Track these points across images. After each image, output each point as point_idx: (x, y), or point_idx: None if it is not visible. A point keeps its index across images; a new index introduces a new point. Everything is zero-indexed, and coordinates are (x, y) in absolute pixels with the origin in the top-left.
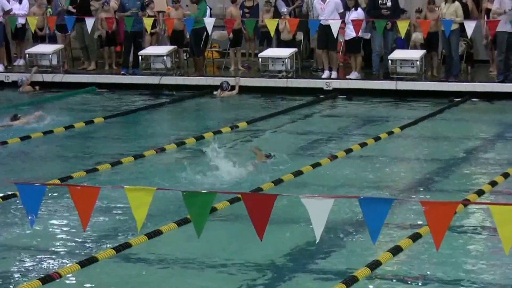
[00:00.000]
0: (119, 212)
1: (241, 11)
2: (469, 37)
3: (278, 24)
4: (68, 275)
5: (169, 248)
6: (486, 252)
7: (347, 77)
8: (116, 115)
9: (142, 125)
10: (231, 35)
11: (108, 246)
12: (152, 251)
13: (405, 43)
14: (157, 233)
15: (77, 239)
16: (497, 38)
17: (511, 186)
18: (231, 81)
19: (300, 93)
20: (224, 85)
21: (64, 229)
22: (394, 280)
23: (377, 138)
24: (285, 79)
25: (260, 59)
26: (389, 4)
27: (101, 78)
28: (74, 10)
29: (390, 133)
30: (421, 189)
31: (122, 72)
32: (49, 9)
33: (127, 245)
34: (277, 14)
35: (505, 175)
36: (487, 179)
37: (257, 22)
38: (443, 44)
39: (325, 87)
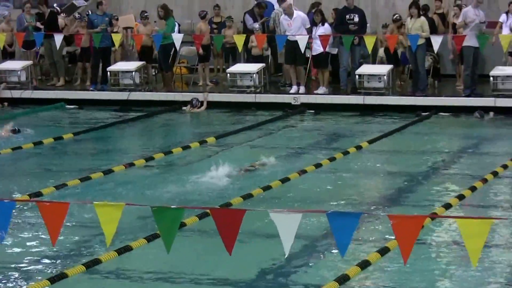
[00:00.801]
0: (89, 227)
1: (209, 27)
2: (435, 51)
3: (250, 39)
4: None
5: (139, 263)
6: (453, 265)
7: (315, 92)
8: (85, 131)
9: (111, 140)
10: (200, 50)
11: (78, 262)
12: (122, 266)
13: (405, 58)
14: (127, 248)
15: (46, 255)
16: (464, 53)
17: (478, 200)
18: (200, 96)
19: (269, 108)
20: (194, 101)
21: (34, 245)
22: None
23: (346, 153)
24: (253, 94)
25: (228, 75)
26: (356, 19)
27: (70, 94)
28: (41, 27)
29: (359, 147)
30: (389, 203)
31: (91, 88)
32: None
33: (97, 261)
34: (245, 30)
35: (472, 189)
36: (455, 193)
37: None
38: (409, 59)
39: (293, 102)
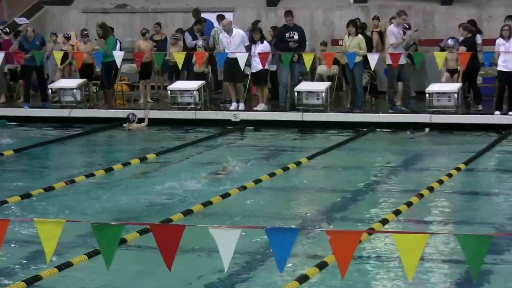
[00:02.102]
0: (29, 244)
1: (152, 44)
2: (372, 69)
3: (192, 56)
4: None
5: (79, 279)
6: (390, 279)
7: (254, 108)
8: (26, 148)
9: (52, 157)
10: (156, 65)
11: (18, 278)
12: (63, 283)
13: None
14: (68, 265)
15: None
16: (389, 70)
17: (414, 215)
18: (139, 113)
19: (209, 125)
20: (130, 117)
21: None
22: None
23: (285, 168)
24: (194, 111)
25: (169, 92)
26: (296, 37)
27: (11, 111)
28: None
29: (298, 163)
30: (327, 218)
31: (24, 107)
32: None
33: (37, 278)
34: (185, 48)
35: (408, 204)
36: (391, 208)
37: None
38: (347, 76)
39: (233, 119)
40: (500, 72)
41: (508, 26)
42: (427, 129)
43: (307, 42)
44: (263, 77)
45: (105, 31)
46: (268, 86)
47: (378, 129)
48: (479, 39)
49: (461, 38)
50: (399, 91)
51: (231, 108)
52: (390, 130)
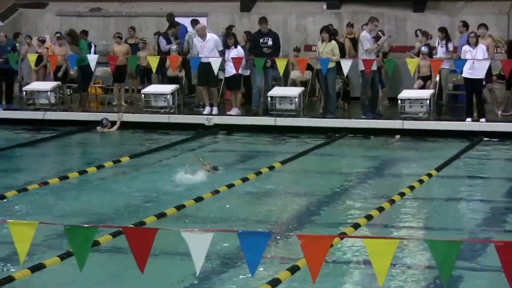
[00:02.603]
0: (2, 245)
1: (126, 48)
2: (345, 75)
3: (166, 60)
4: None
5: (52, 281)
6: (360, 284)
7: (228, 113)
8: (0, 150)
9: (26, 159)
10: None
11: None
12: (35, 284)
13: (383, 81)
14: (40, 266)
15: None
16: (362, 76)
17: (385, 220)
18: (114, 116)
19: (182, 129)
20: (104, 121)
21: None
22: None
23: (258, 173)
24: (167, 115)
25: (143, 95)
26: (270, 43)
27: None
28: None
29: (271, 168)
30: (300, 222)
31: None
32: None
33: (10, 279)
34: (159, 52)
35: (380, 209)
36: (363, 213)
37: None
38: (320, 82)
39: (206, 123)
40: (466, 79)
41: (474, 33)
42: (397, 136)
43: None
44: (237, 82)
45: (74, 38)
46: (242, 91)
47: (351, 135)
48: (450, 46)
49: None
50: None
51: (205, 112)
52: (362, 136)
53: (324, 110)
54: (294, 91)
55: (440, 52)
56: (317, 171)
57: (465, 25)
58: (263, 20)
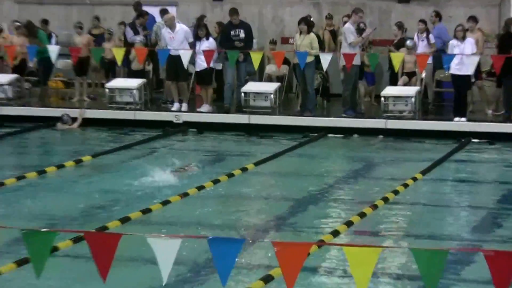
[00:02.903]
0: None
1: (89, 39)
2: (324, 70)
3: (131, 52)
4: None
5: None
6: None
7: (198, 110)
8: None
9: None
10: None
11: None
12: None
13: (374, 77)
14: None
15: None
16: (344, 72)
17: (367, 226)
18: (75, 112)
19: (149, 127)
20: (64, 118)
21: None
22: None
23: (230, 175)
24: (133, 111)
25: (107, 90)
26: (242, 35)
27: None
28: None
29: (244, 169)
30: (274, 228)
31: None
32: None
33: None
34: (126, 43)
35: (362, 215)
36: (343, 219)
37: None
38: (297, 77)
39: (175, 120)
40: (453, 75)
41: (461, 26)
42: (380, 136)
43: (254, 40)
44: (208, 76)
45: (30, 30)
46: (213, 86)
47: (330, 134)
48: (432, 39)
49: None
50: (361, 93)
51: (173, 108)
52: (342, 135)
53: (302, 108)
54: (270, 87)
55: (421, 46)
56: (294, 173)
57: (438, 15)
58: (233, 11)
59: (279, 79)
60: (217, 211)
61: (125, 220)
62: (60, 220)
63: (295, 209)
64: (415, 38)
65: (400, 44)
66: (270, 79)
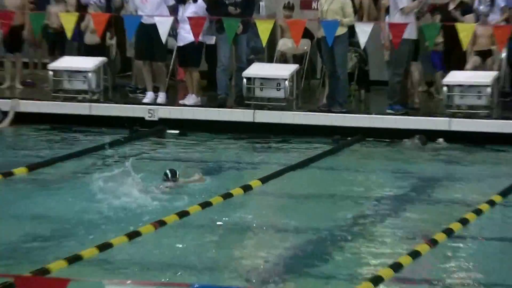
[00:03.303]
0: None
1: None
2: (362, 46)
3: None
4: None
5: None
6: None
7: (181, 102)
8: None
9: None
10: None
11: None
12: None
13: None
14: None
15: None
16: (391, 50)
17: (421, 271)
18: (6, 104)
19: (110, 125)
20: None
21: None
22: None
23: (227, 195)
24: (88, 104)
25: (50, 73)
26: None
27: None
28: None
29: (246, 188)
30: (288, 273)
31: None
32: None
33: None
34: (79, 7)
35: (414, 254)
36: (388, 260)
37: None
38: (323, 57)
39: (147, 117)
40: None
41: None
42: (441, 140)
43: (261, 3)
44: (195, 54)
45: None
46: (203, 69)
47: (369, 138)
48: (501, 2)
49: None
50: (416, 80)
51: (146, 100)
52: (388, 140)
53: (330, 100)
54: (284, 71)
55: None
56: (317, 195)
57: None
58: None
59: (297, 59)
60: (206, 246)
61: (74, 259)
62: None
63: (318, 245)
64: (476, 1)
65: (464, 10)
66: (284, 59)
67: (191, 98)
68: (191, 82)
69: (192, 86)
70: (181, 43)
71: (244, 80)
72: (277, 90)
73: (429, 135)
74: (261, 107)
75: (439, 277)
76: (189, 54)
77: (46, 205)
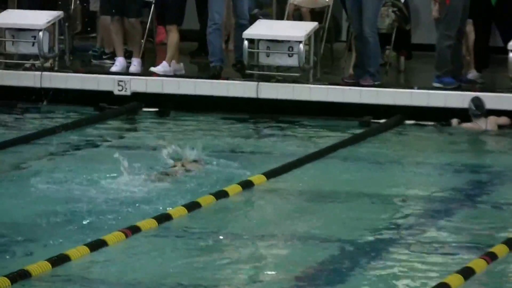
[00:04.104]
0: None
1: None
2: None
3: None
4: None
5: None
6: None
7: (160, 71)
8: None
9: None
10: None
11: None
12: None
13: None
14: None
15: None
16: (449, 3)
17: None
18: None
19: (69, 102)
20: None
21: None
22: None
23: (220, 194)
24: (39, 73)
25: None
26: None
27: None
28: None
29: (247, 184)
30: None
31: None
32: None
33: None
34: None
35: (466, 273)
36: (436, 277)
37: None
38: (349, 12)
39: (117, 91)
40: None
41: None
42: (455, 120)
43: None
44: (175, 7)
45: None
46: (194, 27)
47: (410, 121)
48: None
49: None
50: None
51: (115, 68)
52: (433, 123)
53: (358, 70)
54: (298, 30)
55: None
56: (339, 194)
57: None
58: None
59: (315, 15)
60: (192, 260)
61: (19, 276)
62: None
63: (339, 259)
64: None
65: None
66: (298, 15)
67: (172, 66)
68: (173, 44)
69: (173, 50)
70: None
71: (246, 42)
72: (289, 56)
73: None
74: (268, 79)
75: None
76: (172, 8)
77: None
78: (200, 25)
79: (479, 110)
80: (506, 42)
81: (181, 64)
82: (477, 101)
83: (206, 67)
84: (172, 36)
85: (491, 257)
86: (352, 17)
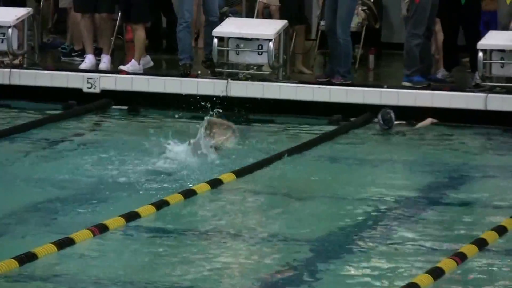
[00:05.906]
0: None
1: None
2: None
3: None
4: None
5: None
6: None
7: (129, 68)
8: None
9: None
10: None
11: None
12: None
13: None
14: None
15: None
16: (417, 4)
17: None
18: None
19: (38, 99)
20: None
21: None
22: None
23: (188, 193)
24: (8, 70)
25: None
26: None
27: None
28: None
29: (215, 183)
30: None
31: None
32: None
33: None
34: None
35: (436, 273)
36: (406, 277)
37: None
38: (327, 9)
39: (86, 88)
40: None
41: None
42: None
43: None
44: (140, 5)
45: None
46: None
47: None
48: None
49: None
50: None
51: (84, 66)
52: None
53: (329, 69)
54: (267, 29)
55: None
56: (309, 193)
57: None
58: None
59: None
60: (158, 261)
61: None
62: None
63: (312, 261)
64: None
65: None
66: (268, 12)
67: (131, 64)
68: (140, 41)
69: (140, 47)
70: None
71: (215, 40)
72: (259, 55)
73: (457, 116)
74: (235, 77)
75: None
76: (133, 5)
77: None
78: (167, 23)
79: (386, 124)
80: (469, 41)
81: (148, 57)
82: (385, 115)
83: (173, 64)
84: (138, 35)
85: (460, 257)
86: (327, 17)
